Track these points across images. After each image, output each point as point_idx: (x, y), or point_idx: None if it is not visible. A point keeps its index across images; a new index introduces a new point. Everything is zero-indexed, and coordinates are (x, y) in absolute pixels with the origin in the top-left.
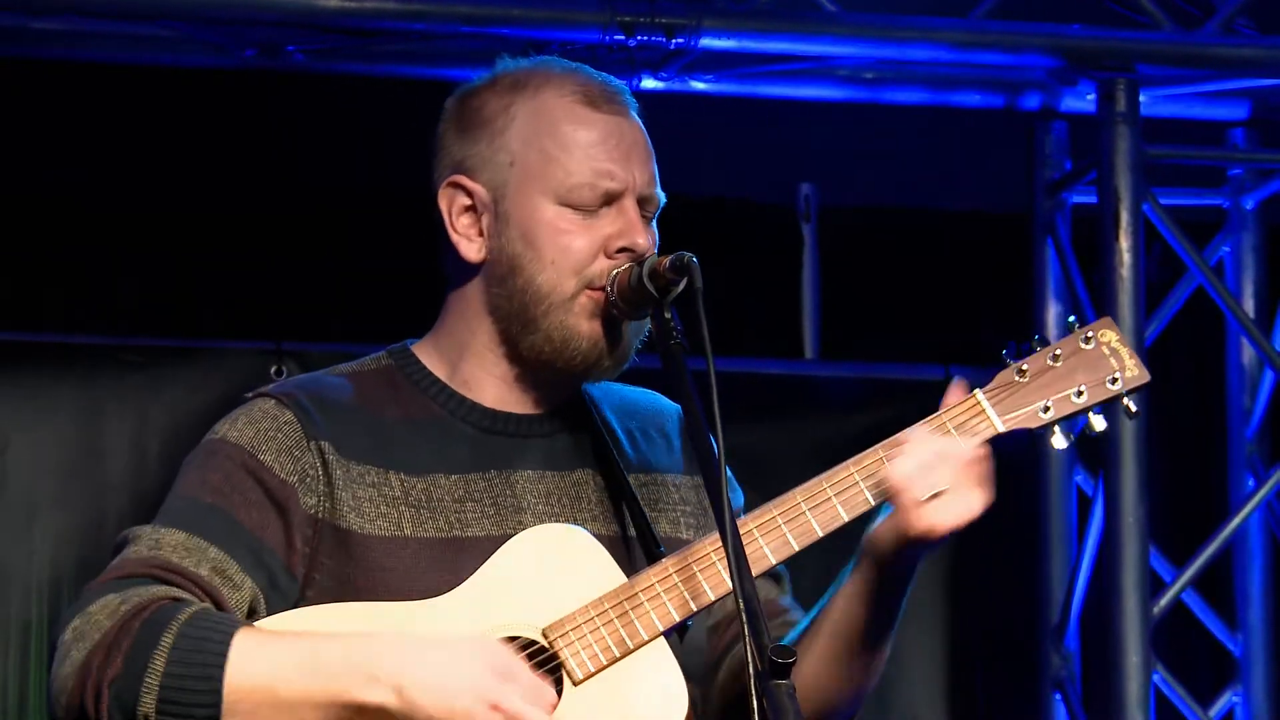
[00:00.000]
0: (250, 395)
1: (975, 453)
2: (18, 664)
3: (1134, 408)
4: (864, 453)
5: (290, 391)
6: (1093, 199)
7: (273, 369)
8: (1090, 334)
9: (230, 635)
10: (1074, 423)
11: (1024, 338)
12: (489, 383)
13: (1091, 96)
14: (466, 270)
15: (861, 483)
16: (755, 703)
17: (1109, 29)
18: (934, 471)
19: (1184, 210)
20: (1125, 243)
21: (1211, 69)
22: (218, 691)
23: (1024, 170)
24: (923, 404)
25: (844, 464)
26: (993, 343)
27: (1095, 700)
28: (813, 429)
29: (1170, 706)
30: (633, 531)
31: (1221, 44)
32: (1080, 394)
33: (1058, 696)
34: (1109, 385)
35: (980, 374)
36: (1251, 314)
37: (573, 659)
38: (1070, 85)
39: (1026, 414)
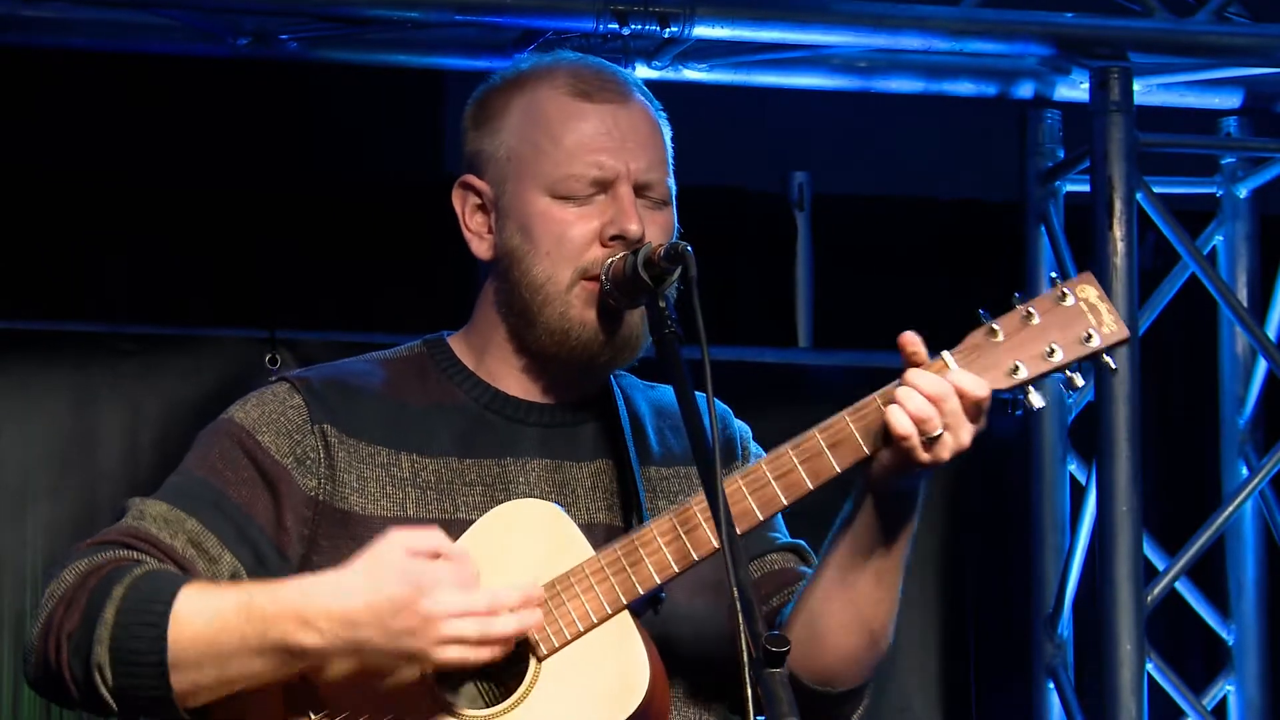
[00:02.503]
0: (273, 379)
1: (971, 394)
2: (11, 653)
3: (1114, 364)
4: (860, 402)
5: (306, 377)
6: (1086, 187)
7: (266, 357)
8: (1068, 290)
9: (178, 588)
10: (1054, 379)
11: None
12: (512, 375)
13: (1085, 85)
14: (485, 268)
15: (857, 434)
16: (749, 691)
17: (1102, 17)
18: (932, 419)
19: (1177, 198)
20: (1119, 231)
21: (1204, 57)
22: (162, 638)
23: (1017, 159)
24: None
25: (839, 415)
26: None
27: (1088, 689)
28: (806, 417)
29: (1164, 695)
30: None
31: (1214, 32)
32: (1053, 353)
33: (1050, 685)
34: (1084, 343)
35: None
36: (1245, 302)
37: (537, 634)
38: (1063, 73)
39: (995, 376)
